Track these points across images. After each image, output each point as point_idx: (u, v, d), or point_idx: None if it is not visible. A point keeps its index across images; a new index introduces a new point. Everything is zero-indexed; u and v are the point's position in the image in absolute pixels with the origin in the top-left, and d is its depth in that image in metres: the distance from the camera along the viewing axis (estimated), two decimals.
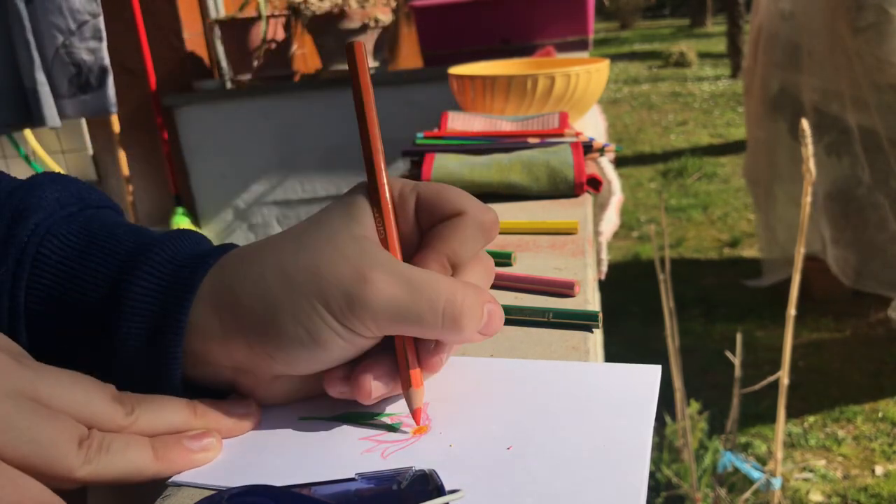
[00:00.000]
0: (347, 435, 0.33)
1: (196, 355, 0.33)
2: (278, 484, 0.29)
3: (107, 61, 1.80)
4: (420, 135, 0.82)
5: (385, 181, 0.35)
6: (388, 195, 0.35)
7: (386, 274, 0.31)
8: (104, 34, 1.78)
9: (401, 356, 0.33)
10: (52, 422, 0.27)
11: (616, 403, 0.34)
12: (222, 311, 0.32)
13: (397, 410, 0.35)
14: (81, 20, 1.76)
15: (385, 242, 0.34)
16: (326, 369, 0.33)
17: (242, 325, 0.32)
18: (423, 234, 0.36)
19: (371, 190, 0.35)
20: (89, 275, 0.33)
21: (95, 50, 1.78)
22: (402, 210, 0.35)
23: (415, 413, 0.33)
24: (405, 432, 0.33)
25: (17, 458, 0.26)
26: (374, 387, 0.32)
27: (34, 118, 1.68)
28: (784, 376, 1.20)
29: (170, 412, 0.32)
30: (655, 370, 0.36)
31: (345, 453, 0.32)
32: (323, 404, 0.35)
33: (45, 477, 0.27)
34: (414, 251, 0.35)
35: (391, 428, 0.33)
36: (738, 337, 1.51)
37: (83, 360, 0.33)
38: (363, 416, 0.34)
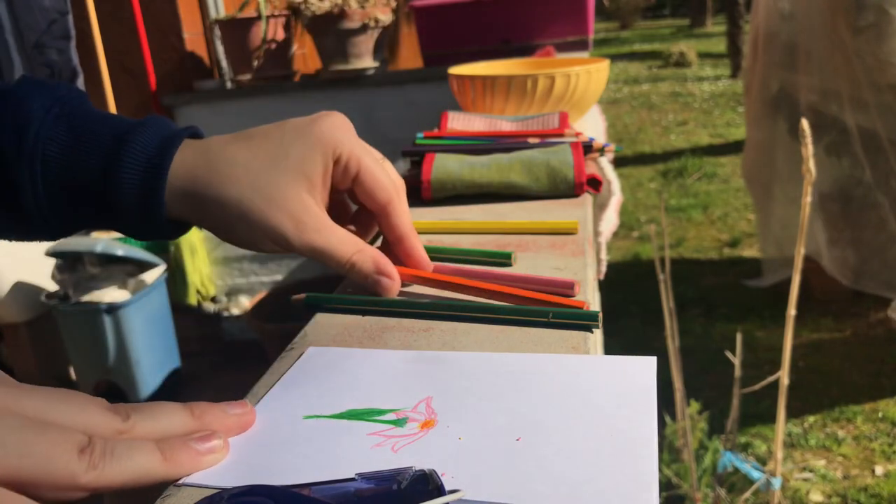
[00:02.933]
0: (355, 432, 0.33)
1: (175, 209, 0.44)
2: (287, 483, 0.29)
3: (75, 62, 1.78)
4: (420, 135, 0.82)
5: None
6: None
7: (314, 232, 0.44)
8: (72, 33, 1.76)
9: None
10: (44, 433, 0.27)
11: (617, 394, 0.34)
12: (189, 205, 0.43)
13: (402, 405, 0.35)
14: (51, 18, 1.74)
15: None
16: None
17: (204, 222, 0.44)
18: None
19: None
20: (83, 164, 0.42)
21: (63, 50, 1.76)
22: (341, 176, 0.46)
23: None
24: (412, 427, 0.33)
25: (11, 475, 0.25)
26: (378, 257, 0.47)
27: None
28: (784, 376, 1.20)
29: (167, 416, 0.31)
30: (651, 361, 0.37)
31: (355, 450, 0.32)
32: (327, 403, 0.35)
33: (48, 489, 0.26)
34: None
35: (397, 424, 0.33)
36: (738, 337, 1.51)
37: (90, 217, 0.44)
38: (368, 413, 0.35)
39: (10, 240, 0.46)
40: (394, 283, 0.47)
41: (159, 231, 0.44)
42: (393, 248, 0.49)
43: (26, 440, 0.26)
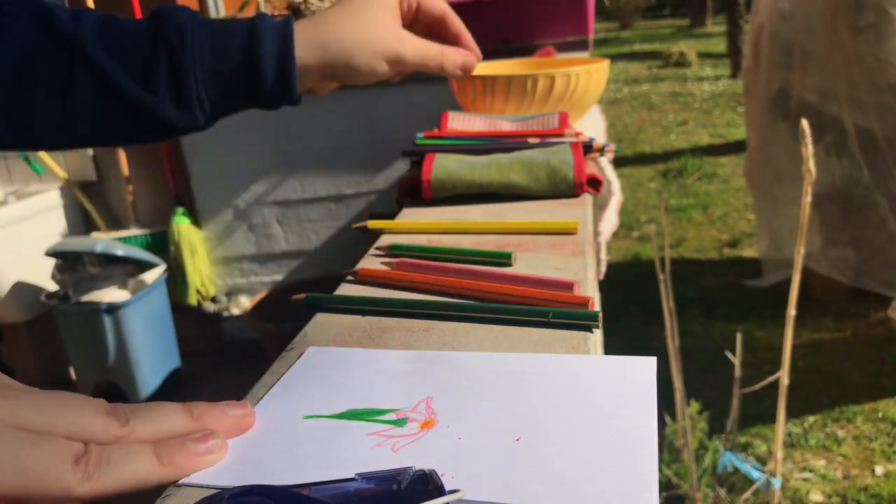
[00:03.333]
0: (355, 432, 0.33)
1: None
2: (287, 483, 0.29)
3: None
4: (420, 135, 0.82)
5: None
6: None
7: (411, 42, 0.59)
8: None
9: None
10: (39, 446, 0.27)
11: (617, 393, 0.34)
12: (313, 55, 0.55)
13: (402, 405, 0.35)
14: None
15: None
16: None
17: (331, 63, 0.55)
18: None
19: None
20: (229, 46, 0.53)
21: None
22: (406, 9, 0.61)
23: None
24: (412, 427, 0.33)
25: (7, 491, 0.25)
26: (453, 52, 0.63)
27: None
28: (784, 376, 1.20)
29: (167, 418, 0.31)
30: (651, 361, 0.37)
31: (354, 449, 0.32)
32: (327, 403, 0.35)
33: (44, 502, 0.26)
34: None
35: (397, 424, 0.33)
36: (738, 337, 1.51)
37: (240, 93, 0.54)
38: (368, 413, 0.35)
39: (158, 138, 0.56)
40: (472, 59, 0.66)
41: (292, 92, 0.54)
42: (454, 42, 0.65)
43: (22, 455, 0.26)
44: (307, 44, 0.54)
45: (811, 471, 1.83)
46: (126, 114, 0.52)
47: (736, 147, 5.06)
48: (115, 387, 1.97)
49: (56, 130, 0.52)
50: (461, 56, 0.64)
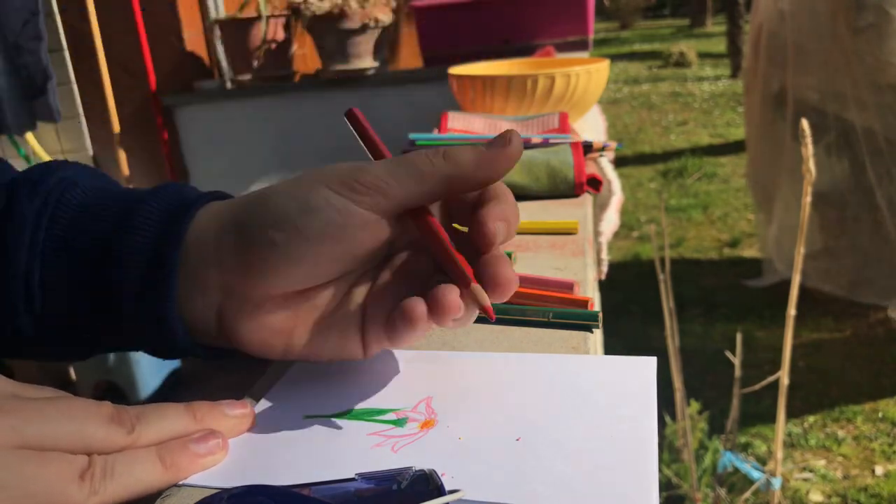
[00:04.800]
0: (355, 432, 0.33)
1: (189, 279, 0.35)
2: (287, 483, 0.29)
3: (46, 62, 1.76)
4: (411, 135, 0.80)
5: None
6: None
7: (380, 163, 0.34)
8: (44, 34, 1.74)
9: (445, 253, 0.33)
10: (45, 466, 0.26)
11: (617, 393, 0.34)
12: (222, 233, 0.35)
13: (402, 405, 0.35)
14: (24, 18, 1.71)
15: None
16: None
17: (241, 240, 0.34)
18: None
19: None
20: (100, 217, 0.36)
21: (35, 51, 1.74)
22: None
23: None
24: (412, 427, 0.33)
25: None
26: (419, 313, 0.31)
27: (2, 126, 1.67)
28: (784, 376, 1.20)
29: (170, 420, 0.31)
30: (651, 361, 0.37)
31: (354, 450, 0.32)
32: (328, 402, 0.35)
33: None
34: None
35: (397, 424, 0.33)
36: (738, 337, 1.51)
37: (86, 319, 0.36)
38: (368, 413, 0.35)
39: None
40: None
41: (176, 338, 0.35)
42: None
43: (28, 477, 0.26)
44: (209, 241, 0.35)
45: (811, 471, 1.83)
46: None
47: (736, 147, 5.05)
48: (115, 387, 1.97)
49: None
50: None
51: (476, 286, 0.32)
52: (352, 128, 0.38)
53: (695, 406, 1.71)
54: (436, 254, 0.34)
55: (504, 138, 0.33)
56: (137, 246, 0.34)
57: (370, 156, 0.37)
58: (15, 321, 0.35)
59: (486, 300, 0.32)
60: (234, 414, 0.33)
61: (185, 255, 0.34)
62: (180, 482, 0.30)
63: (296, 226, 0.32)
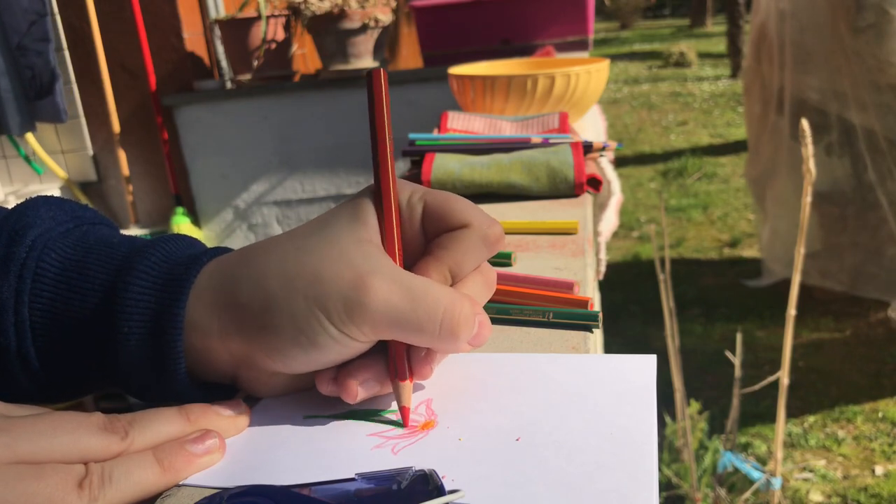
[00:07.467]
0: (355, 432, 0.33)
1: (197, 352, 0.34)
2: (287, 483, 0.29)
3: (54, 63, 1.77)
4: (412, 135, 0.81)
5: (392, 187, 0.35)
6: (393, 201, 0.35)
7: (386, 280, 0.31)
8: (51, 35, 1.75)
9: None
10: (42, 479, 0.26)
11: (617, 392, 0.34)
12: (220, 309, 0.33)
13: None
14: (31, 20, 1.72)
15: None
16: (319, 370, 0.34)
17: (240, 324, 0.33)
18: (427, 242, 0.36)
19: (377, 194, 0.35)
20: (88, 283, 0.34)
21: (43, 52, 1.74)
22: (408, 217, 0.36)
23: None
24: (413, 428, 0.33)
25: None
26: (359, 390, 0.33)
27: (2, 126, 1.67)
28: (784, 376, 1.20)
29: (164, 424, 0.31)
30: (651, 360, 0.37)
31: (354, 450, 0.32)
32: (328, 402, 0.35)
33: None
34: (417, 258, 0.35)
35: (398, 424, 0.33)
36: (738, 337, 1.51)
37: (92, 373, 0.35)
38: (369, 413, 0.35)
39: None
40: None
41: (178, 378, 0.33)
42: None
43: (26, 491, 0.26)
44: (206, 299, 0.33)
45: (811, 471, 1.83)
46: None
47: (736, 147, 5.06)
48: None
49: None
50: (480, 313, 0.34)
51: (404, 385, 0.33)
52: (367, 91, 0.36)
53: (695, 406, 1.71)
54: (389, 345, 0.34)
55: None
56: (135, 332, 0.33)
57: (372, 129, 0.36)
58: (19, 388, 0.35)
59: (407, 402, 0.33)
60: (227, 414, 0.33)
61: (186, 340, 0.33)
62: (180, 483, 0.30)
63: (296, 358, 0.33)
